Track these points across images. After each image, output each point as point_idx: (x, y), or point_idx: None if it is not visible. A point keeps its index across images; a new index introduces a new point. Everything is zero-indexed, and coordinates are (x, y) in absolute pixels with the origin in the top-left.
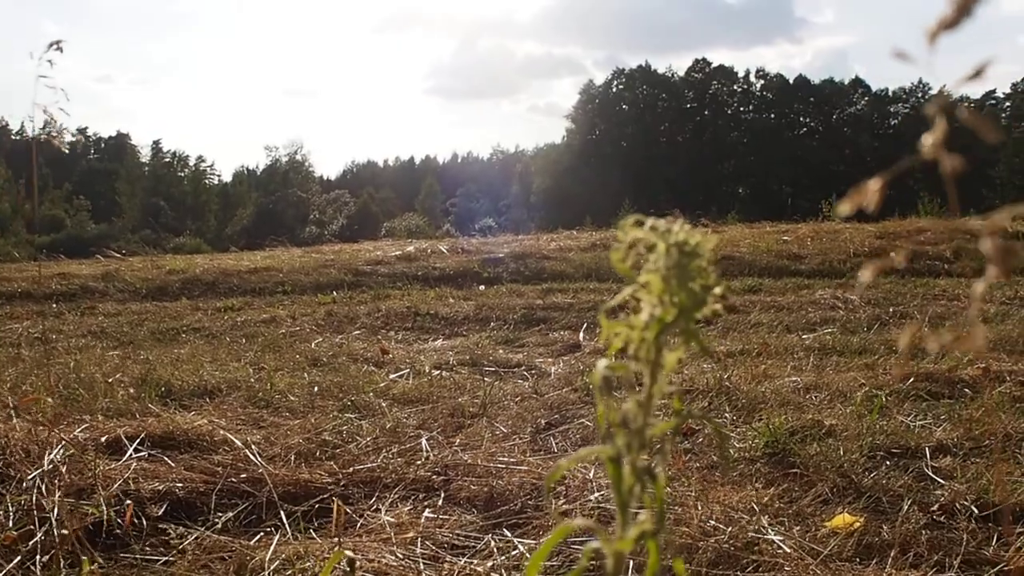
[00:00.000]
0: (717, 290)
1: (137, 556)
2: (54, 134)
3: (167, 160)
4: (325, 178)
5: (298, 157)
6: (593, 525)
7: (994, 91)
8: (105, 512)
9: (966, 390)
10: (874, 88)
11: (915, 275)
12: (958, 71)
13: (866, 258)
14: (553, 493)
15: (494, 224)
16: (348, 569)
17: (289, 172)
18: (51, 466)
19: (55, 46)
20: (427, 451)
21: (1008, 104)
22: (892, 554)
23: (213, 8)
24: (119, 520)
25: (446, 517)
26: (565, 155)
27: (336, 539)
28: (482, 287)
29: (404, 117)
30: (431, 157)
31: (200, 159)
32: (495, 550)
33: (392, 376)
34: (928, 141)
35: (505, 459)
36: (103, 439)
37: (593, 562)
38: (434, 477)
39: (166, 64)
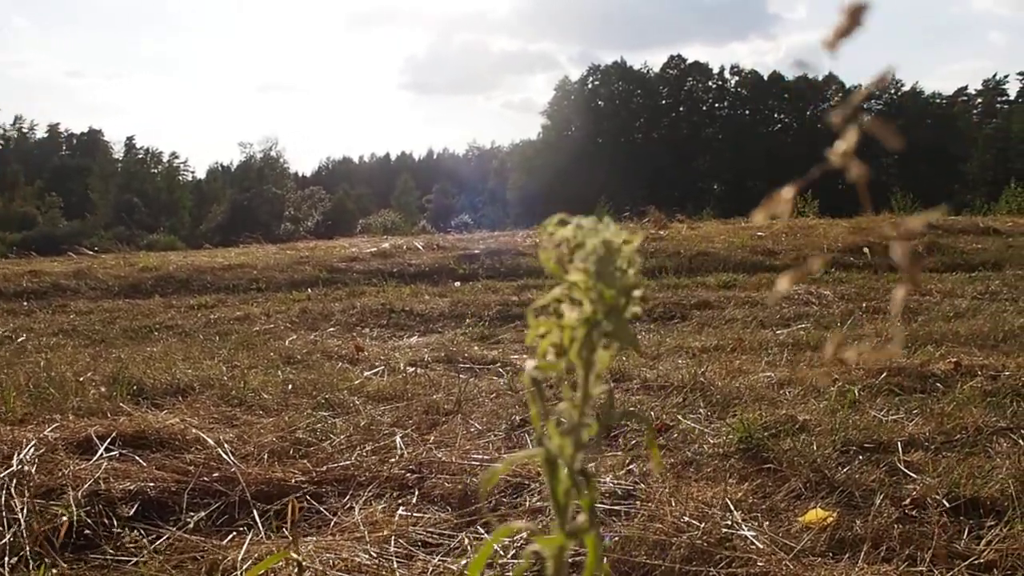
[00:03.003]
0: (636, 293)
1: (107, 557)
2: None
3: (140, 157)
4: (300, 175)
5: (273, 154)
6: (532, 526)
7: (966, 87)
8: (75, 513)
9: (938, 384)
10: (848, 84)
11: (888, 270)
12: (929, 67)
13: (840, 253)
14: (527, 489)
15: (470, 220)
16: (297, 570)
17: (264, 169)
18: (20, 466)
19: None
20: (401, 449)
21: (980, 101)
22: (864, 548)
23: (186, 4)
24: (89, 520)
25: (420, 515)
26: (541, 151)
27: (290, 539)
28: (457, 283)
29: (379, 113)
30: (407, 153)
31: (174, 155)
32: (469, 548)
33: (367, 373)
34: (838, 149)
35: (480, 456)
36: (74, 439)
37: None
38: (408, 475)
39: (138, 60)
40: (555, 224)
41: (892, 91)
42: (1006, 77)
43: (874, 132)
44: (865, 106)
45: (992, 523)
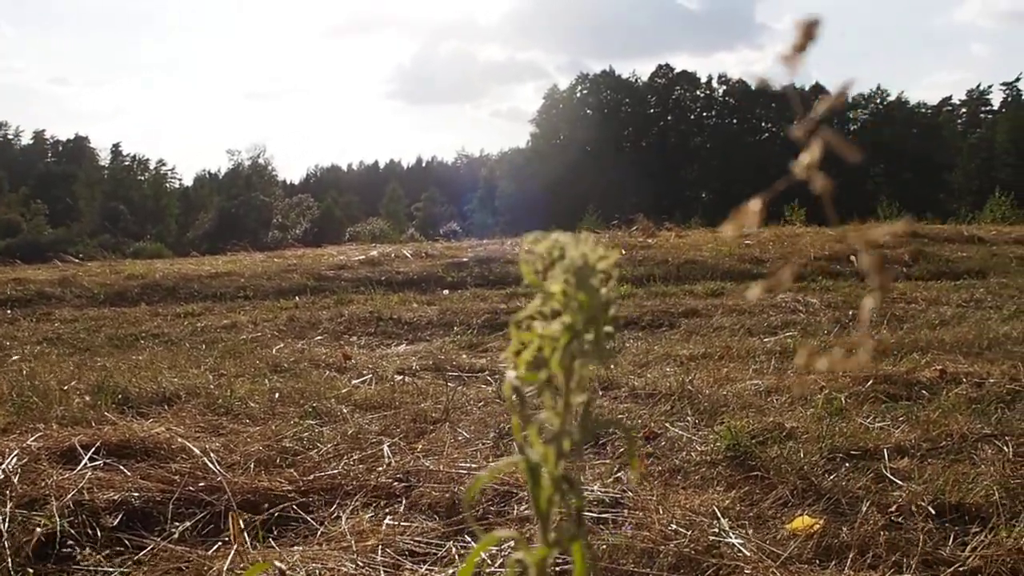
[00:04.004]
0: (611, 309)
1: (91, 567)
2: None
3: (127, 164)
4: (288, 182)
5: (261, 161)
6: (516, 535)
7: (950, 98)
8: (58, 523)
9: (923, 392)
10: (834, 94)
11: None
12: (913, 77)
13: (827, 262)
14: (514, 498)
15: (458, 228)
16: None
17: (252, 176)
18: (3, 476)
19: None
20: (389, 457)
21: (964, 111)
22: (851, 555)
23: (173, 10)
24: (72, 531)
25: (407, 524)
26: (530, 160)
27: (276, 547)
28: (446, 291)
29: (368, 121)
30: (395, 161)
31: (161, 163)
32: (456, 557)
33: (354, 382)
34: (803, 162)
35: (467, 465)
36: (57, 448)
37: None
38: (396, 484)
39: (125, 67)
40: (534, 239)
41: (878, 101)
42: (989, 87)
43: (834, 146)
44: (851, 115)
45: (977, 530)
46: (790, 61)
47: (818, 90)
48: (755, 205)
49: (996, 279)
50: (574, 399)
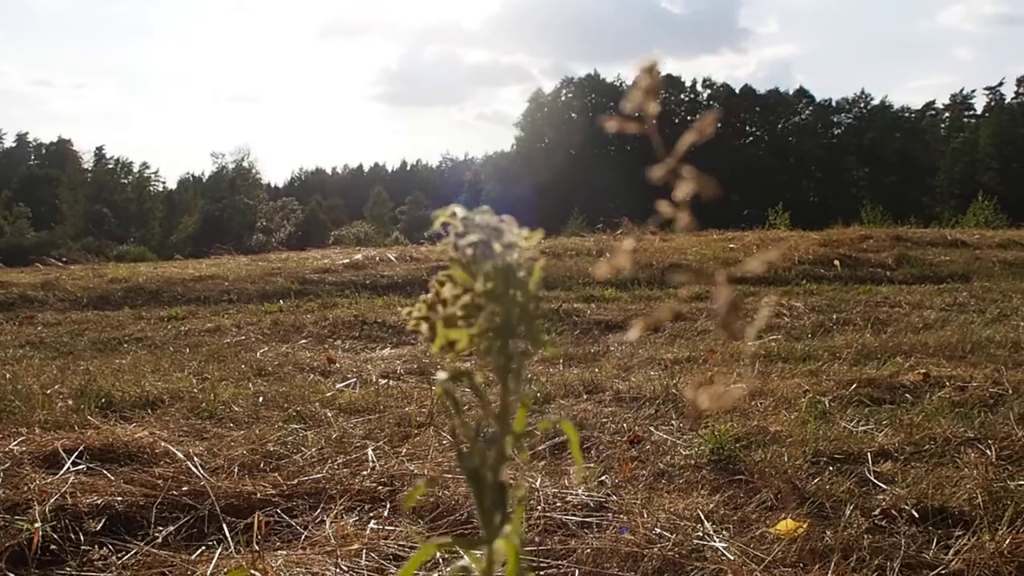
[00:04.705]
0: (538, 303)
1: (74, 573)
2: None
3: (110, 167)
4: (272, 185)
5: (245, 164)
6: (457, 541)
7: (933, 102)
8: (41, 528)
9: (907, 395)
10: (818, 98)
11: (858, 282)
12: (897, 81)
13: (811, 265)
14: None
15: (443, 232)
16: None
17: (236, 179)
18: None
19: None
20: (373, 461)
21: (947, 115)
22: (834, 559)
23: (157, 12)
24: (55, 536)
25: (392, 528)
26: (515, 163)
27: (259, 552)
28: None
29: (352, 124)
30: (380, 165)
31: (144, 166)
32: (440, 560)
33: (338, 385)
34: (675, 196)
35: (452, 468)
36: (40, 452)
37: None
38: (380, 488)
39: (109, 68)
40: (448, 216)
41: (862, 105)
42: (973, 92)
43: (697, 184)
44: (835, 119)
45: (960, 533)
46: (643, 107)
47: (802, 94)
48: (628, 245)
49: (979, 283)
50: (511, 397)
